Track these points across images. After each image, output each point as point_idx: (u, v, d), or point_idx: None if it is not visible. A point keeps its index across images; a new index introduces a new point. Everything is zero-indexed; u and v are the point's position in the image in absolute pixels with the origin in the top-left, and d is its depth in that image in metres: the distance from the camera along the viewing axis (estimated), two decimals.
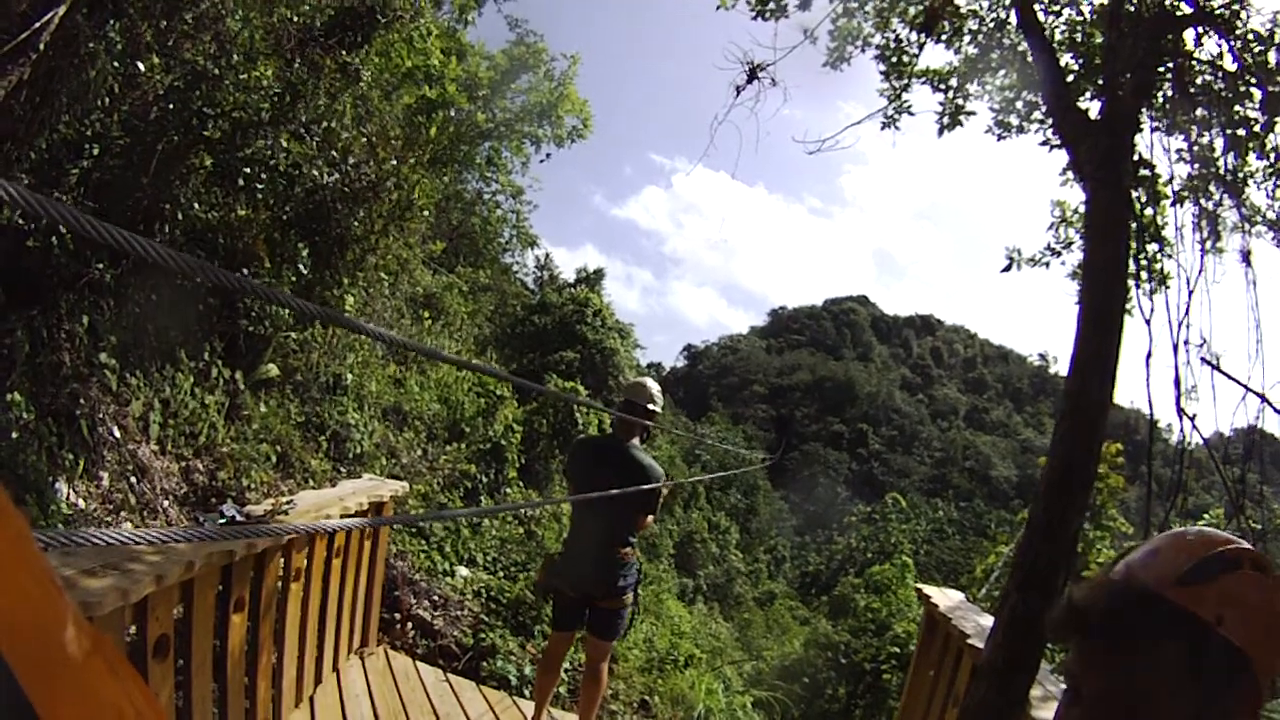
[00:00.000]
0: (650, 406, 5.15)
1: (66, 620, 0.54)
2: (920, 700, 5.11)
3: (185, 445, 6.27)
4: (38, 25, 4.87)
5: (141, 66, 5.97)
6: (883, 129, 6.70)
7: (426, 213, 10.02)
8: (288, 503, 4.17)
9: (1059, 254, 6.61)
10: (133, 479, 5.48)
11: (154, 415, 5.92)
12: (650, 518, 5.17)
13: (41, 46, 4.98)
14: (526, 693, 6.25)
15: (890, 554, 29.21)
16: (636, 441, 5.10)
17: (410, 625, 6.81)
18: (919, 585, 6.01)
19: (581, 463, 5.30)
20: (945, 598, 5.28)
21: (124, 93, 5.96)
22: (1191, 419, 4.29)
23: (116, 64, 5.84)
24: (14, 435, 4.61)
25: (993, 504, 64.56)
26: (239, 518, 3.62)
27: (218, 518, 3.53)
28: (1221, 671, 1.17)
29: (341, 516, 4.55)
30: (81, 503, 5.10)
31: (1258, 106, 4.87)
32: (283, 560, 4.17)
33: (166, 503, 5.64)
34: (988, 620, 4.54)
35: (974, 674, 4.07)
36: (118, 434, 5.53)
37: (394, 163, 8.36)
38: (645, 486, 4.66)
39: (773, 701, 10.99)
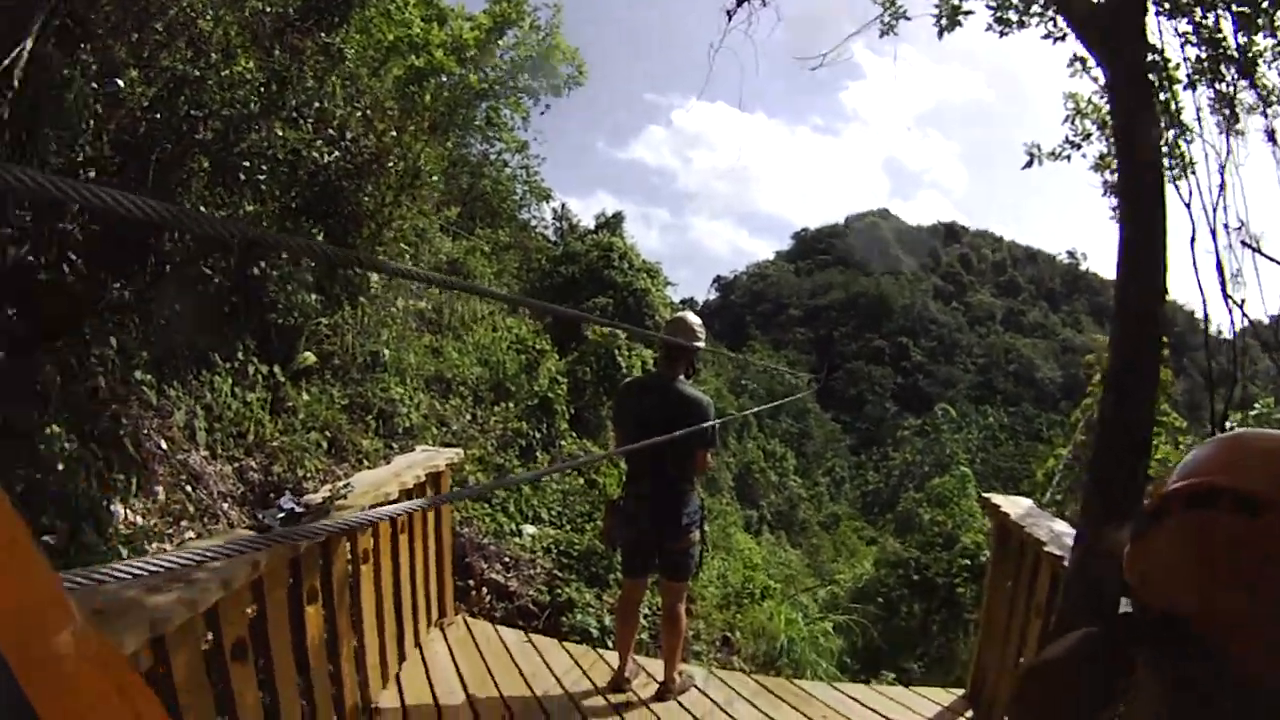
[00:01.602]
0: (694, 342, 5.02)
1: (72, 627, 0.53)
2: (1000, 612, 5.01)
3: (235, 446, 6.27)
4: (7, 62, 4.78)
5: (120, 83, 5.87)
6: (881, 36, 6.55)
7: (435, 179, 9.91)
8: (345, 486, 4.11)
9: (1079, 146, 6.48)
10: (188, 488, 5.48)
11: (199, 422, 5.91)
12: (710, 454, 5.03)
13: (16, 83, 4.89)
14: (609, 644, 6.22)
15: (947, 465, 29.12)
16: (683, 377, 4.99)
17: (485, 590, 6.82)
18: (986, 494, 5.89)
19: (629, 406, 5.20)
20: (1014, 505, 5.17)
21: (108, 112, 5.86)
22: (1240, 305, 4.10)
23: (95, 85, 5.74)
24: (60, 467, 4.58)
25: (1041, 406, 64.12)
26: (298, 509, 3.56)
27: (276, 512, 3.47)
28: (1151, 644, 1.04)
29: (400, 492, 4.50)
30: (140, 519, 5.09)
31: None
32: (349, 545, 4.12)
33: (225, 505, 5.64)
34: (1060, 526, 4.46)
35: (1054, 583, 3.98)
36: (165, 446, 5.52)
37: (394, 133, 8.25)
38: (698, 426, 4.55)
39: (851, 625, 10.98)
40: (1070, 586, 3.44)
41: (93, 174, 5.76)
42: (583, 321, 14.06)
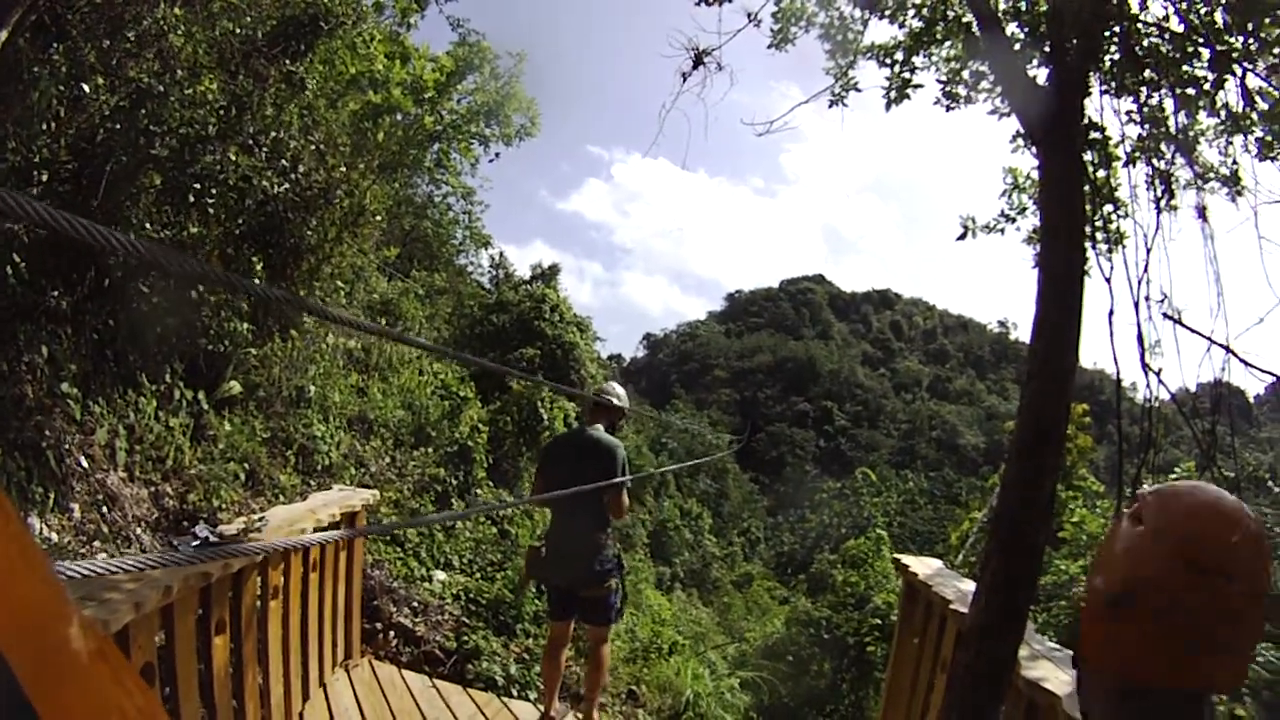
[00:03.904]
0: (614, 401, 5.35)
1: (71, 622, 0.54)
2: (907, 669, 5.13)
3: (153, 470, 6.18)
4: None
5: (86, 88, 5.86)
6: (830, 106, 6.67)
7: (379, 218, 9.92)
8: (260, 520, 4.14)
9: (1013, 220, 6.61)
10: (104, 508, 5.40)
11: (120, 442, 5.83)
12: (624, 496, 5.18)
13: None
14: (514, 692, 6.27)
15: (864, 528, 29.41)
16: (601, 427, 5.23)
17: (393, 634, 6.78)
18: (896, 555, 6.05)
19: (553, 459, 5.37)
20: (924, 565, 5.31)
21: (70, 116, 5.84)
22: (1157, 374, 4.33)
23: (61, 87, 5.73)
24: None
25: (962, 472, 64.96)
26: (212, 538, 3.58)
27: (191, 540, 3.48)
28: None
29: (315, 529, 4.52)
30: (54, 536, 5.01)
31: (1206, 65, 4.91)
32: (259, 579, 4.14)
33: (139, 529, 5.56)
34: (967, 585, 4.56)
35: (958, 639, 4.12)
36: (85, 464, 5.44)
37: (343, 169, 8.28)
38: (611, 480, 4.78)
39: (759, 682, 11.06)
40: (965, 643, 3.58)
41: (45, 177, 5.73)
42: (509, 375, 14.05)
